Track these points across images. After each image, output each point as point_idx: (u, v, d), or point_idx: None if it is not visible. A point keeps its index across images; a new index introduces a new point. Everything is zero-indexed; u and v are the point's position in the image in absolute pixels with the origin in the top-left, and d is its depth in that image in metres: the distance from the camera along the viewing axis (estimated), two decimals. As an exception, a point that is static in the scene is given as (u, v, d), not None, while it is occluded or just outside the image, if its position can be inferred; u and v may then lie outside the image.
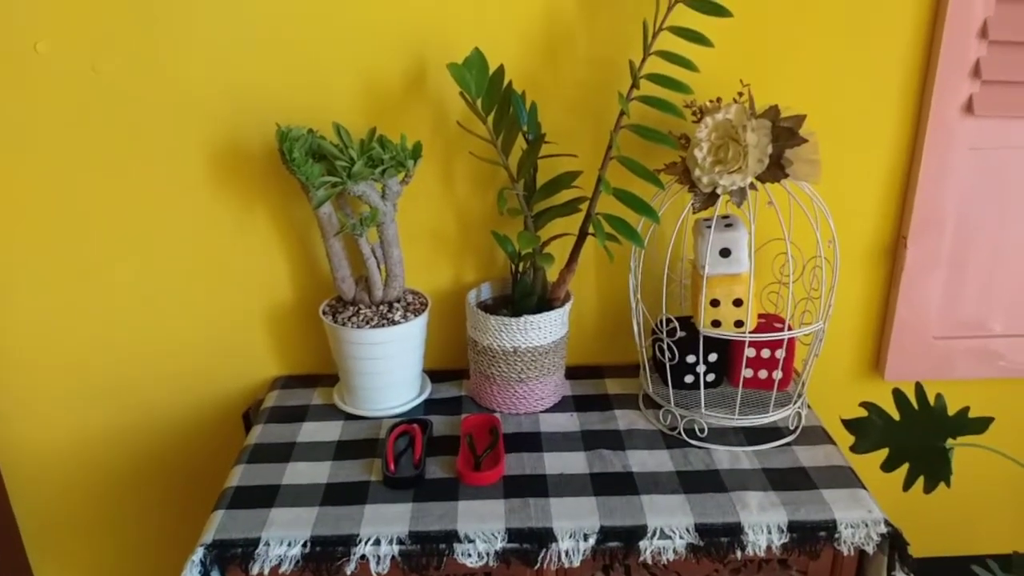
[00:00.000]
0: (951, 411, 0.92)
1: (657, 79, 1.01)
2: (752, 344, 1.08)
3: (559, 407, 1.17)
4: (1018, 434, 1.38)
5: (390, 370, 1.14)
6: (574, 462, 1.03)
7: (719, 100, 1.03)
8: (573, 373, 1.25)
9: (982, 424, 0.94)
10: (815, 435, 1.09)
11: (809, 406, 1.15)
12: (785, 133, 0.97)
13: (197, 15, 1.08)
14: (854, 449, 0.97)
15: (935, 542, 1.45)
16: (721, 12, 0.98)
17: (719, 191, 0.98)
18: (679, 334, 1.06)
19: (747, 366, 1.10)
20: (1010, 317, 1.29)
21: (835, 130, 1.17)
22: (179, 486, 1.36)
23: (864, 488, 0.98)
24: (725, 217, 1.07)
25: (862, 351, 1.32)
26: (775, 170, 0.97)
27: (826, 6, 1.11)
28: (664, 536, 0.91)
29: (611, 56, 1.11)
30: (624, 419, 1.13)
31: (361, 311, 1.14)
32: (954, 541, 1.47)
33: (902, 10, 1.12)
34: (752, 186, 0.98)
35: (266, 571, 0.90)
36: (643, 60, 1.00)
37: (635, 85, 1.02)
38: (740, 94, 1.01)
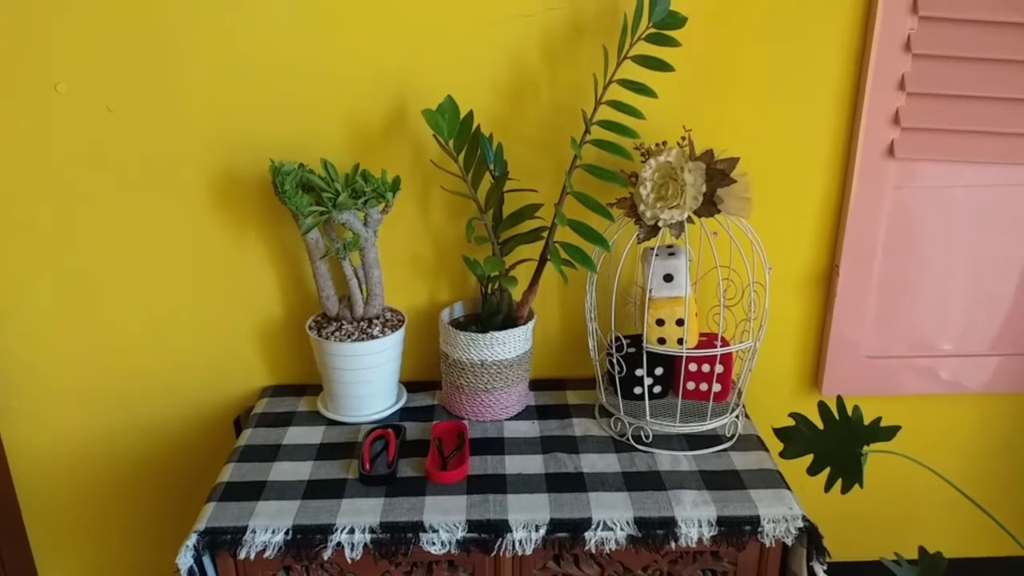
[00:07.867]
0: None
1: (608, 125, 1.13)
2: (692, 359, 1.19)
3: (522, 415, 1.27)
4: (952, 445, 1.49)
5: (369, 380, 1.23)
6: (532, 464, 1.13)
7: (664, 143, 1.16)
8: (537, 385, 1.35)
9: (890, 432, 1.04)
10: (751, 442, 1.19)
11: (747, 416, 1.26)
12: (718, 174, 1.09)
13: (201, 63, 1.18)
14: (783, 455, 1.08)
15: (877, 546, 1.54)
16: (664, 68, 1.11)
17: (660, 224, 1.11)
18: (626, 350, 1.18)
19: (689, 379, 1.21)
20: (940, 337, 1.41)
21: (772, 171, 1.28)
22: (175, 484, 1.42)
23: (788, 489, 1.09)
24: (669, 247, 1.19)
25: (802, 368, 1.42)
26: (708, 206, 1.10)
27: (761, 61, 1.23)
28: (607, 528, 1.01)
29: (569, 104, 1.22)
30: (580, 426, 1.23)
31: (344, 326, 1.23)
32: (892, 545, 1.55)
33: (831, 64, 1.23)
34: (690, 220, 1.11)
35: (252, 556, 1.00)
36: (594, 109, 1.12)
37: (587, 131, 1.13)
38: (683, 138, 1.14)
